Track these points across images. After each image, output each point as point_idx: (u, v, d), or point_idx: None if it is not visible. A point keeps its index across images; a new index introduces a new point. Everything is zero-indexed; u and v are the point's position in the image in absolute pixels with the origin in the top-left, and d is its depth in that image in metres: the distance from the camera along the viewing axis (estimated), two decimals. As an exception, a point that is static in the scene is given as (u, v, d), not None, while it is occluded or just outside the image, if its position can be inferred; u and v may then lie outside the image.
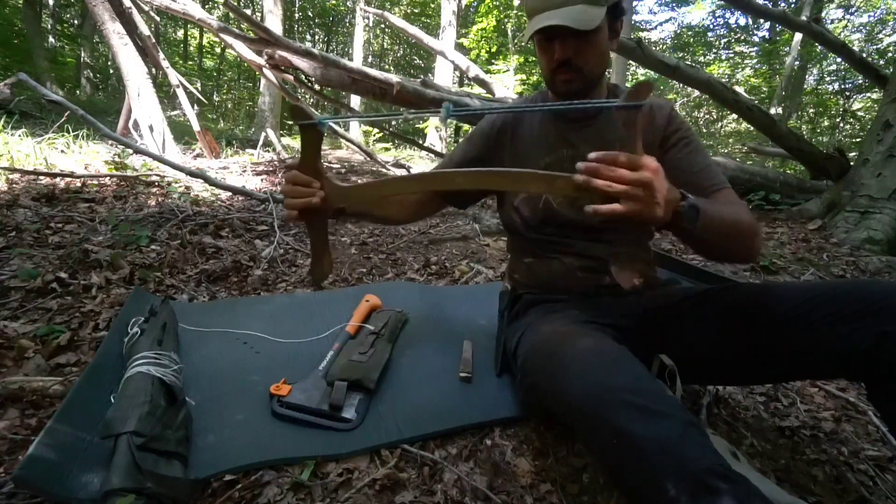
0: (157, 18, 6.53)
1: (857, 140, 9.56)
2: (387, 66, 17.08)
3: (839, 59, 7.64)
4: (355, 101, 9.22)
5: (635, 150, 0.64)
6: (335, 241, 2.24)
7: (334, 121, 0.99)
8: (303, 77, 4.08)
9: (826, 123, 11.49)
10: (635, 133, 0.64)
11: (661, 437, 0.55)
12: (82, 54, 10.94)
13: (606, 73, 0.99)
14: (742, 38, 14.19)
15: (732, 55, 14.14)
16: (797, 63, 10.54)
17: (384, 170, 4.96)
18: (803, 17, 4.91)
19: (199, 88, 12.19)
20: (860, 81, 9.77)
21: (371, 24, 14.76)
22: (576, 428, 0.68)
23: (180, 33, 16.40)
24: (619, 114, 0.65)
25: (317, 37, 18.59)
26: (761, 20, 11.86)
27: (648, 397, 0.60)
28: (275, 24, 8.06)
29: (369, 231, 2.47)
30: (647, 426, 0.56)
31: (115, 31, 3.79)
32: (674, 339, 0.91)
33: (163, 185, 2.82)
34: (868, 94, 10.29)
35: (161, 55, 4.30)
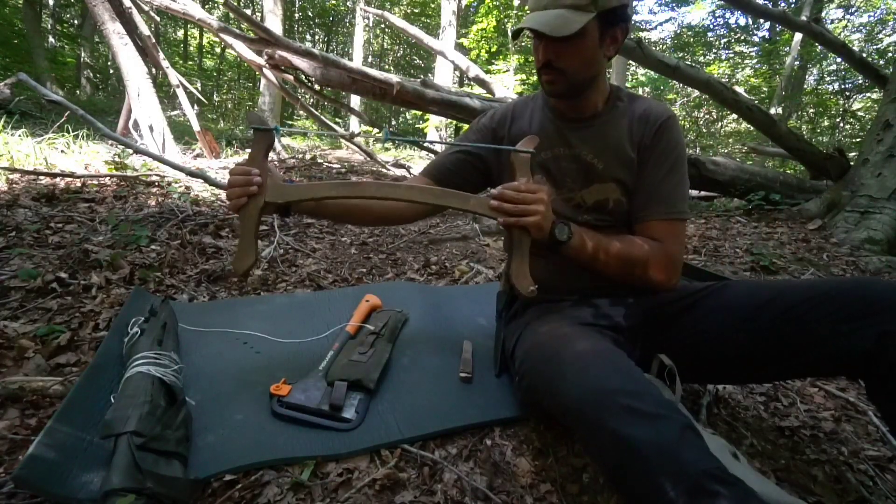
0: (157, 18, 6.53)
1: (857, 140, 9.57)
2: (387, 66, 17.09)
3: (839, 59, 7.64)
4: (355, 100, 9.22)
5: (532, 181, 0.87)
6: (335, 241, 2.24)
7: (287, 131, 1.13)
8: (303, 77, 4.09)
9: (826, 123, 11.49)
10: (530, 170, 0.88)
11: (659, 439, 0.55)
12: (82, 54, 10.93)
13: (606, 74, 0.99)
14: (742, 38, 14.18)
15: (732, 55, 14.14)
16: (797, 63, 10.54)
17: (384, 169, 4.96)
18: (803, 17, 4.92)
19: (199, 88, 12.20)
20: (860, 81, 9.76)
21: (371, 24, 14.76)
22: (574, 430, 0.68)
23: (180, 33, 16.40)
24: (516, 156, 0.88)
25: (317, 37, 18.59)
26: (761, 20, 11.86)
27: (645, 400, 0.60)
28: (275, 24, 8.06)
29: (369, 231, 2.47)
30: (644, 429, 0.56)
31: (115, 31, 3.78)
32: (673, 338, 0.91)
33: (163, 185, 2.82)
34: (868, 94, 10.28)
35: (161, 55, 4.29)
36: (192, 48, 16.59)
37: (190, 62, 15.32)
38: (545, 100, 1.03)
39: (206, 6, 12.70)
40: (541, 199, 0.83)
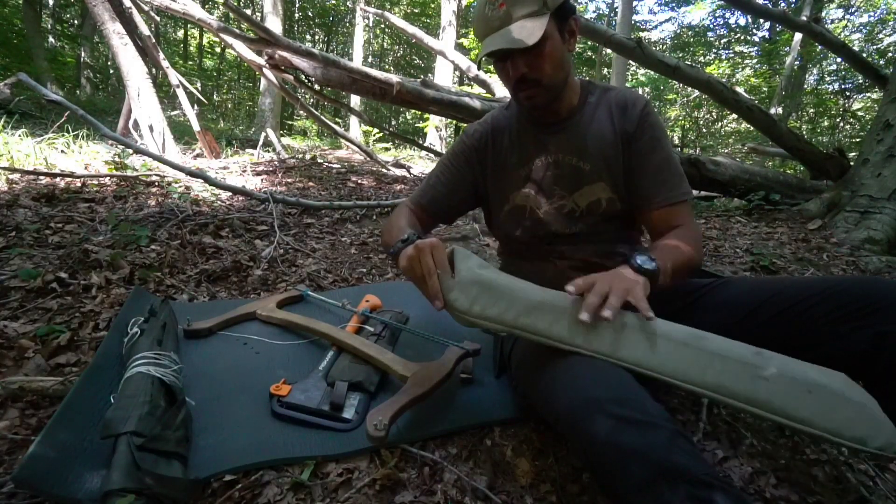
0: (157, 18, 6.53)
1: (857, 140, 9.57)
2: (387, 66, 17.09)
3: (839, 59, 7.65)
4: (355, 100, 9.22)
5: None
6: (335, 241, 2.24)
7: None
8: (303, 77, 4.08)
9: (826, 123, 11.49)
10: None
11: (649, 446, 0.55)
12: (82, 54, 10.94)
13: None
14: (742, 38, 14.20)
15: (732, 55, 14.15)
16: (797, 63, 10.55)
17: (384, 169, 4.96)
18: (803, 17, 4.92)
19: (199, 88, 12.20)
20: (860, 81, 9.77)
21: (371, 24, 14.76)
22: (567, 438, 0.68)
23: (180, 33, 16.41)
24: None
25: (317, 37, 18.59)
26: (761, 20, 11.87)
27: (635, 408, 0.60)
28: (275, 24, 8.06)
29: (369, 231, 2.47)
30: (634, 436, 0.56)
31: (115, 31, 3.79)
32: None
33: (163, 185, 2.82)
34: (868, 94, 10.29)
35: (161, 55, 4.30)
36: (192, 48, 16.59)
37: (190, 62, 15.32)
38: (520, 109, 1.03)
39: (206, 6, 12.71)
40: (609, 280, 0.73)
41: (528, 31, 0.82)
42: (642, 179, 0.94)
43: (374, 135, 9.84)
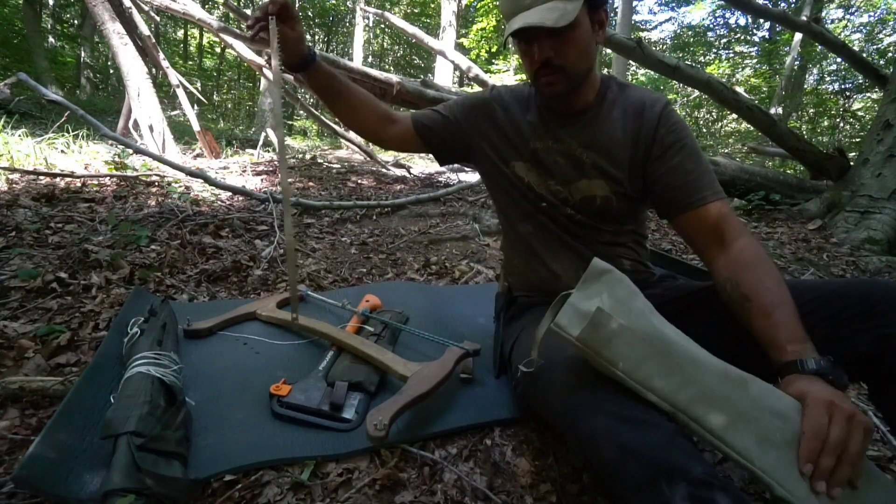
0: (157, 18, 6.54)
1: (857, 140, 9.55)
2: (387, 66, 17.08)
3: (839, 59, 7.65)
4: (355, 101, 9.19)
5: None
6: (335, 241, 2.24)
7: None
8: (303, 77, 4.09)
9: (826, 123, 11.47)
10: None
11: (648, 446, 0.55)
12: (82, 54, 10.94)
13: (598, 68, 0.98)
14: (742, 38, 14.19)
15: (732, 55, 14.14)
16: (797, 63, 10.54)
17: (384, 170, 4.96)
18: (803, 17, 4.91)
19: (199, 88, 12.19)
20: (860, 81, 9.76)
21: (371, 24, 14.76)
22: (566, 437, 0.68)
23: (180, 33, 16.40)
24: None
25: (317, 37, 18.58)
26: (761, 20, 11.87)
27: (634, 408, 0.60)
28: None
29: (369, 231, 2.47)
30: (633, 436, 0.56)
31: (115, 31, 3.79)
32: None
33: (163, 185, 2.82)
34: (868, 94, 10.28)
35: (161, 55, 4.30)
36: (192, 48, 16.58)
37: (190, 62, 15.32)
38: (535, 93, 1.00)
39: (206, 6, 12.70)
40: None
41: (560, 11, 0.79)
42: (666, 183, 0.89)
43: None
